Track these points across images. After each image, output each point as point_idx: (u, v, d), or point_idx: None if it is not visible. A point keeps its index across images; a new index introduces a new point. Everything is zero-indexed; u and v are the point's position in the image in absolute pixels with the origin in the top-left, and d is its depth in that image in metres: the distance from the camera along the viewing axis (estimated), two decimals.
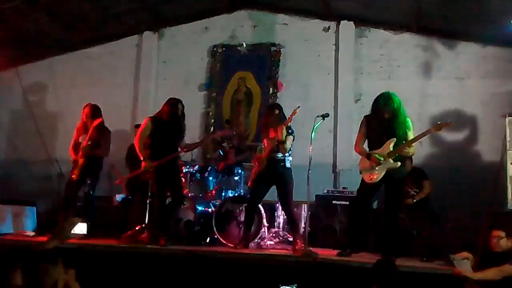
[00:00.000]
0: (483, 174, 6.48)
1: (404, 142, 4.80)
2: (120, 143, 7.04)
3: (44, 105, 8.22)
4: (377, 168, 4.84)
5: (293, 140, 5.38)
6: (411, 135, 4.88)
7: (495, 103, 6.58)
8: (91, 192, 6.00)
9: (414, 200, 5.81)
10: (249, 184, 5.67)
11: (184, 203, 5.76)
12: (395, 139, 4.82)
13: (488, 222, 5.39)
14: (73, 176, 5.89)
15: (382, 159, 4.81)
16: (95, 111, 6.02)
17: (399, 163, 4.81)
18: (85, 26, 7.81)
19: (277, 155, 5.36)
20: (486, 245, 4.54)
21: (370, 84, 7.29)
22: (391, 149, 4.80)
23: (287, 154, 5.37)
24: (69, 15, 7.33)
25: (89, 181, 5.99)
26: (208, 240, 5.68)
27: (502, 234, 4.38)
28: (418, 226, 5.56)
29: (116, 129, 6.99)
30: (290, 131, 5.37)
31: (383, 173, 4.83)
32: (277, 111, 5.53)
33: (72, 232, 2.67)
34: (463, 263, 4.37)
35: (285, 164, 5.37)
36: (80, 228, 2.52)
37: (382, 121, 4.88)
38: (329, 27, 7.65)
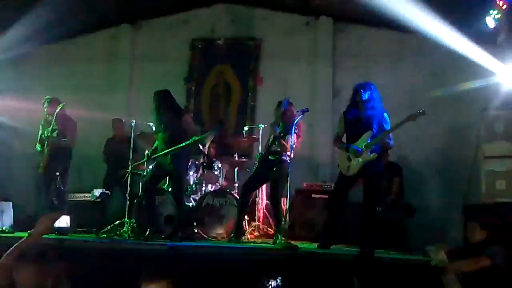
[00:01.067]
0: (458, 167, 6.63)
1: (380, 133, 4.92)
2: (99, 137, 6.97)
3: (20, 99, 8.02)
4: (354, 160, 4.94)
5: (297, 138, 5.28)
6: (388, 126, 4.99)
7: (470, 98, 6.73)
8: (61, 187, 5.88)
9: (392, 199, 5.91)
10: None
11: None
12: (371, 131, 4.93)
13: (463, 215, 5.55)
14: (39, 169, 5.83)
15: (360, 149, 4.90)
16: (53, 103, 5.97)
17: (376, 155, 4.91)
18: (60, 18, 7.64)
19: (273, 149, 5.37)
20: (462, 237, 4.67)
21: (348, 79, 7.33)
22: (368, 141, 4.90)
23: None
24: (44, 7, 7.15)
25: (57, 173, 5.87)
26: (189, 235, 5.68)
27: (477, 226, 4.52)
28: (395, 219, 5.67)
29: (94, 122, 6.93)
30: (296, 131, 5.24)
31: (360, 165, 4.93)
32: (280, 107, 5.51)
33: (55, 225, 2.64)
34: (439, 254, 4.49)
35: (280, 157, 5.34)
36: (64, 220, 2.47)
37: (359, 114, 5.00)
38: (308, 22, 7.70)
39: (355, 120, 5.03)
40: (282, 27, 7.77)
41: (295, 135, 5.19)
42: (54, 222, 2.64)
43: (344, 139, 5.17)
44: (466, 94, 6.87)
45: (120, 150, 6.62)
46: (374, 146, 4.89)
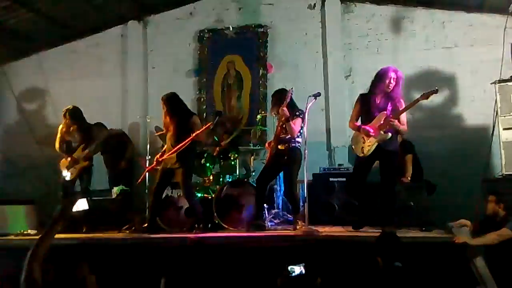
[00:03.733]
0: (475, 141, 6.57)
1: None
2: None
3: (34, 101, 8.15)
4: (367, 141, 4.94)
5: (302, 122, 5.30)
6: (401, 105, 4.97)
7: (485, 70, 6.62)
8: (88, 186, 6.13)
9: (409, 178, 5.86)
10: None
11: None
12: (385, 112, 4.92)
13: (483, 188, 5.50)
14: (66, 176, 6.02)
15: (371, 130, 4.91)
16: (74, 114, 6.25)
17: (389, 134, 4.90)
18: (68, 19, 7.70)
19: (284, 137, 5.38)
20: (482, 211, 4.65)
21: (359, 59, 7.32)
22: (382, 121, 4.90)
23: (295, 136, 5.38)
24: (51, 9, 7.21)
25: (85, 176, 6.13)
26: (210, 226, 5.72)
27: (496, 199, 4.50)
28: (415, 197, 5.63)
29: (107, 121, 6.98)
30: (297, 113, 5.32)
31: (374, 145, 4.93)
32: (275, 96, 5.60)
33: (74, 209, 2.68)
34: (462, 230, 4.48)
35: (291, 145, 5.35)
36: (82, 204, 2.51)
37: (375, 99, 5.02)
38: (314, 4, 7.62)
39: (372, 103, 5.04)
40: (289, 11, 7.69)
41: (300, 119, 5.25)
42: (73, 205, 2.67)
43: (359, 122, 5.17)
44: (480, 66, 6.77)
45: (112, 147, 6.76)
46: (387, 126, 4.87)
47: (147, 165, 6.10)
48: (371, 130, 4.91)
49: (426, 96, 4.83)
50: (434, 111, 6.87)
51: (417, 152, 6.04)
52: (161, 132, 5.97)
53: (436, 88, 4.84)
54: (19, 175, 7.84)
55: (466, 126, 6.85)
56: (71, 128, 6.27)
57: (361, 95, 5.22)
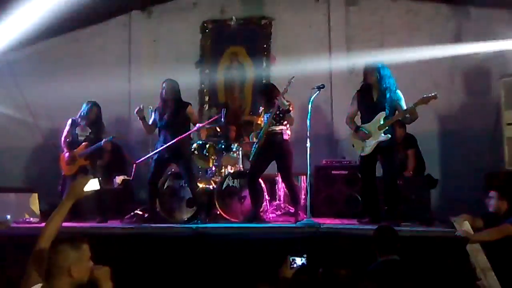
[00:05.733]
0: (478, 136, 6.55)
1: (394, 114, 4.99)
2: (117, 126, 7.03)
3: (36, 90, 8.12)
4: (367, 141, 5.03)
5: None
6: (403, 105, 5.01)
7: (489, 65, 6.59)
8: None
9: (411, 172, 5.87)
10: (250, 160, 5.70)
11: None
12: (384, 113, 4.98)
13: (485, 183, 5.50)
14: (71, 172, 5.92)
15: (368, 132, 5.01)
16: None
17: (389, 136, 4.98)
18: (70, 8, 7.66)
19: (275, 129, 5.39)
20: (484, 206, 4.64)
21: (363, 53, 7.27)
22: (381, 122, 4.97)
23: (284, 128, 5.40)
24: None
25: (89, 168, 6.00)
26: (211, 217, 5.75)
27: (498, 194, 4.49)
28: (417, 191, 5.64)
29: (111, 111, 6.97)
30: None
31: (374, 146, 5.02)
32: (271, 88, 5.68)
33: (85, 189, 2.67)
34: (464, 225, 4.47)
35: (282, 137, 5.40)
36: (93, 184, 2.51)
37: (372, 95, 5.09)
38: None
39: (369, 101, 5.10)
40: (293, 3, 7.65)
41: (291, 109, 5.31)
42: (85, 184, 2.68)
43: (358, 119, 5.27)
44: (485, 61, 6.74)
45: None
46: (387, 127, 4.96)
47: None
48: (366, 133, 5.03)
49: (425, 100, 4.85)
50: (437, 104, 6.83)
51: (419, 146, 6.04)
52: None
53: (435, 93, 4.85)
54: (21, 164, 7.87)
55: (469, 121, 6.82)
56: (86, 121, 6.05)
57: (358, 91, 5.28)
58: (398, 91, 5.06)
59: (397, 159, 5.37)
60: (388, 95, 5.00)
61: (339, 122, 7.11)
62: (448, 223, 4.78)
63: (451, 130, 6.80)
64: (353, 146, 5.26)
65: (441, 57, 6.96)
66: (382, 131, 4.97)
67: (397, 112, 5.00)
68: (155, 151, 5.57)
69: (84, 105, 6.08)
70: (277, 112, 5.34)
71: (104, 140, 5.79)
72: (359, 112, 5.30)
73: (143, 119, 5.63)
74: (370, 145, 5.03)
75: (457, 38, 6.99)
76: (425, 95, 4.86)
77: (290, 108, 5.28)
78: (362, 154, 5.12)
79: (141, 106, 5.60)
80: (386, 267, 3.42)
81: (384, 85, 5.01)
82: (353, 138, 5.23)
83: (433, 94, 4.85)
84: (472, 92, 6.85)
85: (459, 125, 6.83)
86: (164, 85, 5.60)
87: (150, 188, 5.61)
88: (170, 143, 5.41)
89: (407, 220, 5.08)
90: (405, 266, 3.47)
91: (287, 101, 5.28)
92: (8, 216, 5.26)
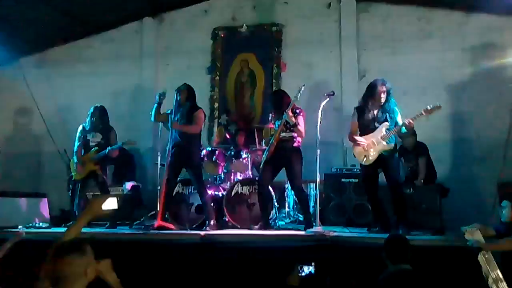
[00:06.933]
0: (490, 144, 6.47)
1: (395, 125, 4.99)
2: (128, 131, 7.06)
3: (48, 97, 8.19)
4: (371, 150, 5.02)
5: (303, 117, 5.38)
6: (399, 121, 5.02)
7: (502, 73, 6.52)
8: (104, 178, 6.07)
9: (422, 181, 5.80)
10: (261, 166, 5.67)
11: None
12: (387, 123, 4.99)
13: (498, 193, 5.42)
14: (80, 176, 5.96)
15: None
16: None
17: (392, 145, 5.01)
18: (83, 15, 7.75)
19: (285, 136, 5.37)
20: (498, 216, 4.57)
21: (374, 60, 7.25)
22: (384, 132, 4.97)
23: (295, 135, 5.37)
24: (67, 4, 7.26)
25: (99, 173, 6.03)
26: (219, 224, 5.73)
27: (511, 204, 4.42)
28: (428, 200, 5.57)
29: (121, 117, 7.01)
30: (297, 111, 5.37)
31: (376, 156, 5.01)
32: (281, 96, 5.61)
33: (103, 207, 2.67)
34: (475, 234, 4.40)
35: (293, 144, 5.37)
36: (111, 203, 2.50)
37: (374, 108, 5.07)
38: (330, 3, 7.57)
39: (370, 113, 5.09)
40: (304, 10, 7.66)
41: (301, 116, 5.32)
42: (103, 203, 2.68)
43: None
44: (497, 68, 6.67)
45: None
46: (390, 136, 4.98)
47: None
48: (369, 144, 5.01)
49: (428, 111, 4.81)
50: (450, 111, 6.78)
51: (430, 154, 5.97)
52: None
53: (439, 104, 4.81)
54: (32, 170, 7.92)
55: (481, 129, 6.75)
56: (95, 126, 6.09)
57: (357, 108, 5.26)
58: (396, 108, 5.09)
59: (399, 166, 5.35)
60: (390, 107, 5.04)
61: (349, 129, 7.09)
62: (460, 232, 4.71)
63: (464, 138, 6.72)
64: (354, 156, 5.23)
65: (452, 64, 6.92)
66: (385, 140, 4.97)
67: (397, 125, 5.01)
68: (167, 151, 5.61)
69: (90, 111, 6.14)
70: (285, 122, 5.33)
71: (109, 148, 5.86)
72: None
73: (159, 104, 5.71)
74: (372, 155, 5.01)
75: (470, 46, 6.94)
76: (428, 107, 4.81)
77: (299, 121, 5.28)
78: (366, 164, 5.08)
79: (165, 91, 5.72)
80: (397, 277, 3.37)
81: (388, 107, 5.04)
82: (355, 148, 5.20)
83: (437, 104, 4.81)
84: (484, 99, 6.76)
85: (471, 133, 6.75)
86: (181, 87, 5.68)
87: (166, 192, 5.56)
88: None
89: (418, 229, 5.03)
90: (417, 275, 3.42)
91: (297, 108, 5.29)
92: (21, 227, 5.32)
